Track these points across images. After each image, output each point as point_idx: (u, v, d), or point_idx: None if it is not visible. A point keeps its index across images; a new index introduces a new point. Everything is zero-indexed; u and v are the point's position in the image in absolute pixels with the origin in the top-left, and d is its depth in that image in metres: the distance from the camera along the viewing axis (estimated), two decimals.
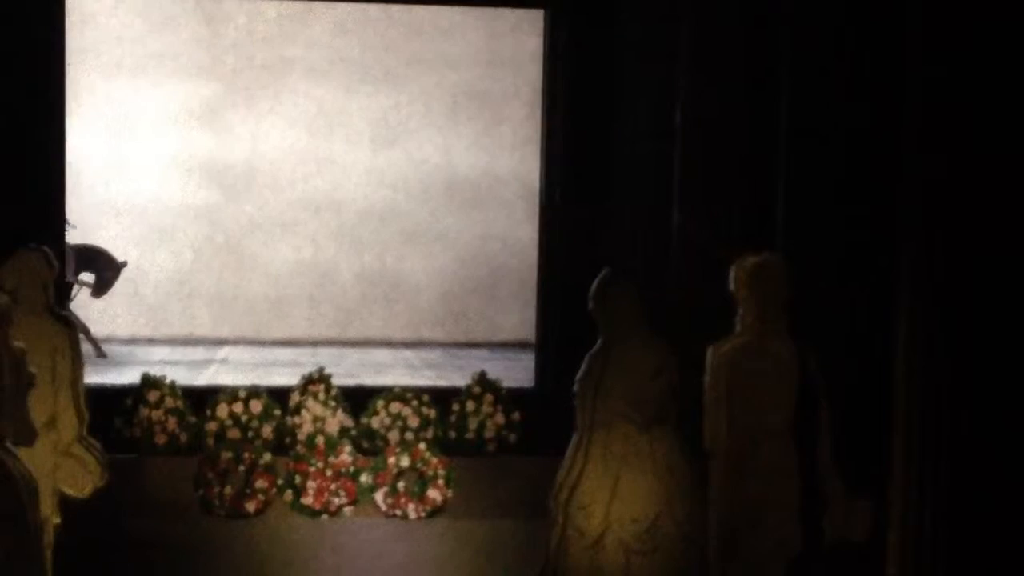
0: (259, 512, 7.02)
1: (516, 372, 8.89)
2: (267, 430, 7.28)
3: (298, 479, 7.05)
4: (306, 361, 9.86)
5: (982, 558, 4.57)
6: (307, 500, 7.04)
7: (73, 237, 9.88)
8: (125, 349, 10.96)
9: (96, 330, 10.66)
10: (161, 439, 7.18)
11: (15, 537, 3.94)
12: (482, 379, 7.70)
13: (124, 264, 10.82)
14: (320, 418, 7.32)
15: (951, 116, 5.38)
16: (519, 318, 10.89)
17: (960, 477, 4.70)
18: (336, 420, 7.35)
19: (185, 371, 9.87)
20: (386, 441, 7.34)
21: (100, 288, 10.78)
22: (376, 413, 7.43)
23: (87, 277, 10.73)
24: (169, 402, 7.28)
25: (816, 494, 4.83)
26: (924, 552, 4.61)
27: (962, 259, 5.12)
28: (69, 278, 10.30)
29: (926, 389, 4.94)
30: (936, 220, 5.26)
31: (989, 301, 5.09)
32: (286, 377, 8.31)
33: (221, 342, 11.59)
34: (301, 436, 7.25)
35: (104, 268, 10.77)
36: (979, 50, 5.26)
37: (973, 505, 4.62)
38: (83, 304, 10.71)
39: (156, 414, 7.24)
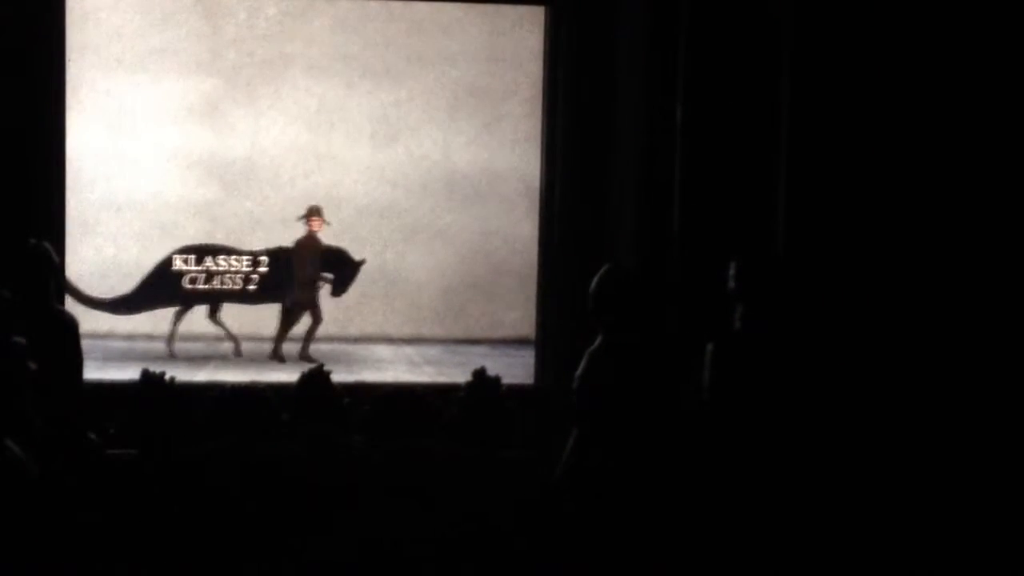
0: None
1: (516, 369, 8.89)
2: None
3: None
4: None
5: None
6: None
7: (78, 235, 9.88)
8: (125, 345, 10.98)
9: (97, 327, 10.66)
10: None
11: (17, 528, 3.95)
12: (482, 375, 7.70)
13: (363, 262, 11.03)
14: None
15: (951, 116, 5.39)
16: (519, 314, 10.87)
17: None
18: None
19: (185, 367, 9.89)
20: None
21: (340, 286, 11.00)
22: None
23: (327, 275, 10.94)
24: None
25: None
26: None
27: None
28: (310, 276, 10.54)
29: None
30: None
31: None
32: (286, 373, 8.31)
33: (221, 338, 11.58)
34: None
35: (344, 266, 10.97)
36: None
37: None
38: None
39: None
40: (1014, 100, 5.70)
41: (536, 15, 8.90)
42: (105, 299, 11.10)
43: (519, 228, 10.99)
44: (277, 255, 10.99)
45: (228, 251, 10.92)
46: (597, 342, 5.05)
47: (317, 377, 6.41)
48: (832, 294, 5.90)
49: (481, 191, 12.49)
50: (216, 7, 11.91)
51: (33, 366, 4.31)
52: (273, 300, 10.98)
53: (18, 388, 4.21)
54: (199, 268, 10.87)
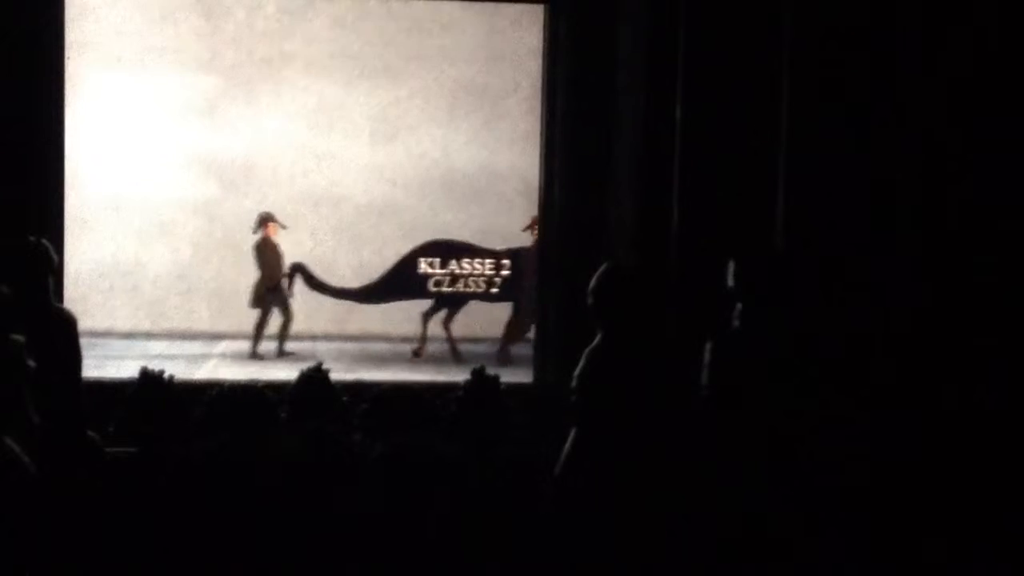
0: None
1: (515, 367, 8.89)
2: None
3: None
4: (305, 355, 9.88)
5: None
6: None
7: (77, 232, 9.88)
8: (123, 343, 10.98)
9: (94, 324, 10.65)
10: None
11: (17, 519, 3.96)
12: (481, 374, 7.70)
13: None
14: None
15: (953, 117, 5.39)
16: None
17: None
18: None
19: (184, 365, 9.88)
20: None
21: None
22: None
23: None
24: None
25: None
26: None
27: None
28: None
29: None
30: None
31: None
32: (285, 371, 8.31)
33: (219, 336, 11.60)
34: None
35: None
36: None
37: None
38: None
39: None
40: (1015, 98, 5.70)
41: (535, 13, 8.89)
42: (351, 289, 11.22)
43: (518, 227, 11.00)
44: (518, 255, 11.02)
45: (472, 252, 10.94)
46: (596, 341, 5.04)
47: (316, 376, 6.43)
48: (830, 293, 5.91)
49: (480, 189, 12.52)
50: (215, 5, 11.92)
51: (32, 364, 4.31)
52: (512, 300, 11.04)
53: (17, 386, 4.20)
54: (444, 271, 10.94)
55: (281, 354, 10.68)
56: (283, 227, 11.05)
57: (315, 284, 11.06)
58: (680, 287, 6.65)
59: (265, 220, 10.96)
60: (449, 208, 12.21)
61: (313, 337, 11.34)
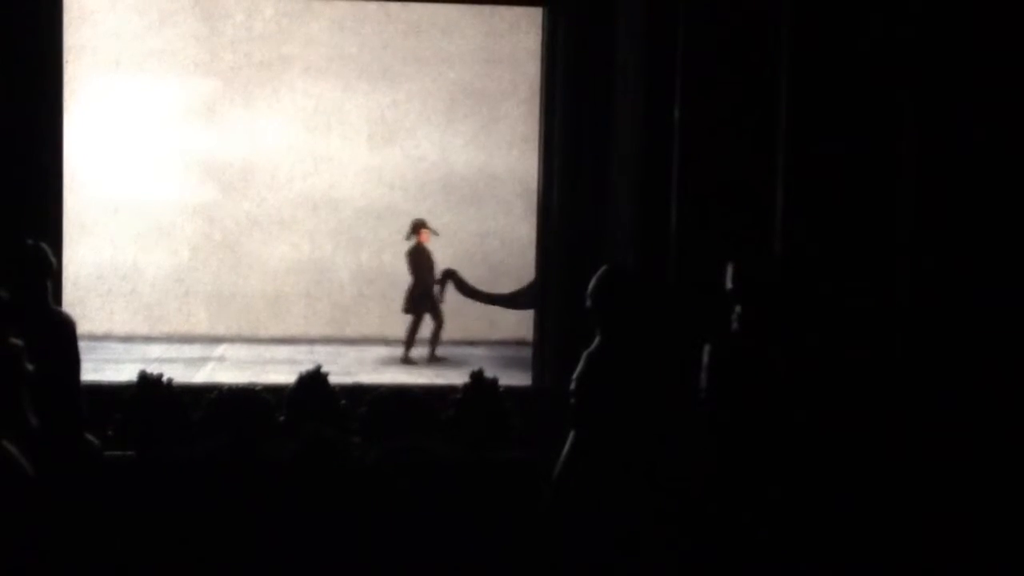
0: None
1: (514, 370, 8.88)
2: None
3: None
4: (303, 359, 9.87)
5: None
6: None
7: (76, 236, 9.88)
8: (122, 346, 10.97)
9: (93, 327, 10.66)
10: None
11: (16, 522, 3.95)
12: (479, 377, 7.69)
13: None
14: None
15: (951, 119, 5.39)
16: (517, 316, 10.89)
17: None
18: None
19: (182, 368, 9.88)
20: None
21: None
22: None
23: None
24: None
25: None
26: None
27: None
28: None
29: None
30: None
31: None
32: (283, 375, 8.31)
33: (218, 340, 11.59)
34: None
35: None
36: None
37: None
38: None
39: None
40: (1015, 100, 5.70)
41: (533, 16, 8.90)
42: (502, 295, 11.25)
43: (517, 229, 11.02)
44: None
45: None
46: (595, 343, 5.04)
47: (315, 379, 6.43)
48: (828, 295, 5.90)
49: (479, 192, 12.53)
50: (214, 8, 11.93)
51: (30, 367, 4.31)
52: None
53: (15, 389, 4.20)
54: None
55: (432, 359, 10.69)
56: (435, 233, 11.06)
57: (466, 290, 11.10)
58: (679, 289, 6.64)
59: (418, 226, 10.99)
60: (448, 210, 12.21)
61: (311, 340, 11.35)
